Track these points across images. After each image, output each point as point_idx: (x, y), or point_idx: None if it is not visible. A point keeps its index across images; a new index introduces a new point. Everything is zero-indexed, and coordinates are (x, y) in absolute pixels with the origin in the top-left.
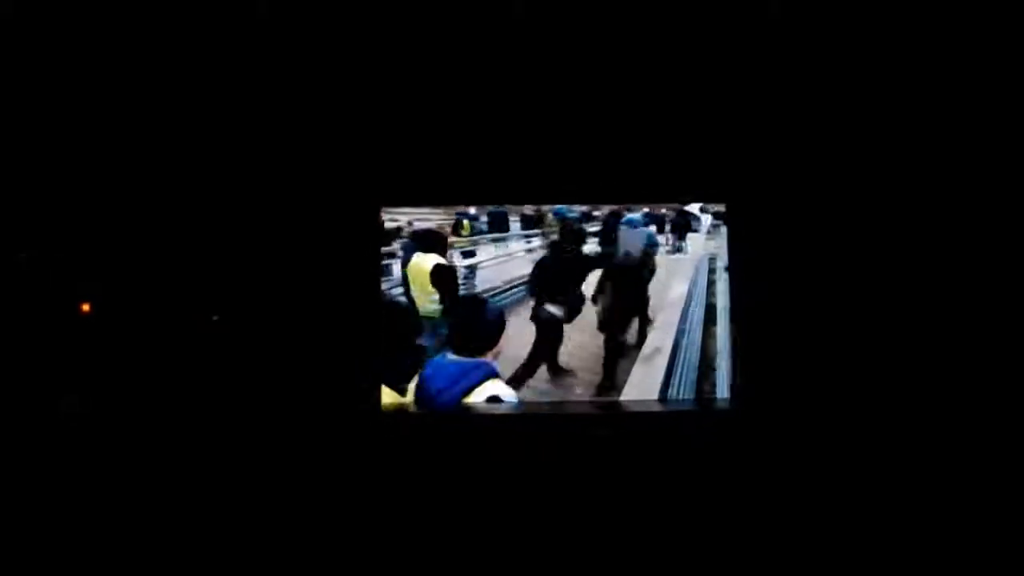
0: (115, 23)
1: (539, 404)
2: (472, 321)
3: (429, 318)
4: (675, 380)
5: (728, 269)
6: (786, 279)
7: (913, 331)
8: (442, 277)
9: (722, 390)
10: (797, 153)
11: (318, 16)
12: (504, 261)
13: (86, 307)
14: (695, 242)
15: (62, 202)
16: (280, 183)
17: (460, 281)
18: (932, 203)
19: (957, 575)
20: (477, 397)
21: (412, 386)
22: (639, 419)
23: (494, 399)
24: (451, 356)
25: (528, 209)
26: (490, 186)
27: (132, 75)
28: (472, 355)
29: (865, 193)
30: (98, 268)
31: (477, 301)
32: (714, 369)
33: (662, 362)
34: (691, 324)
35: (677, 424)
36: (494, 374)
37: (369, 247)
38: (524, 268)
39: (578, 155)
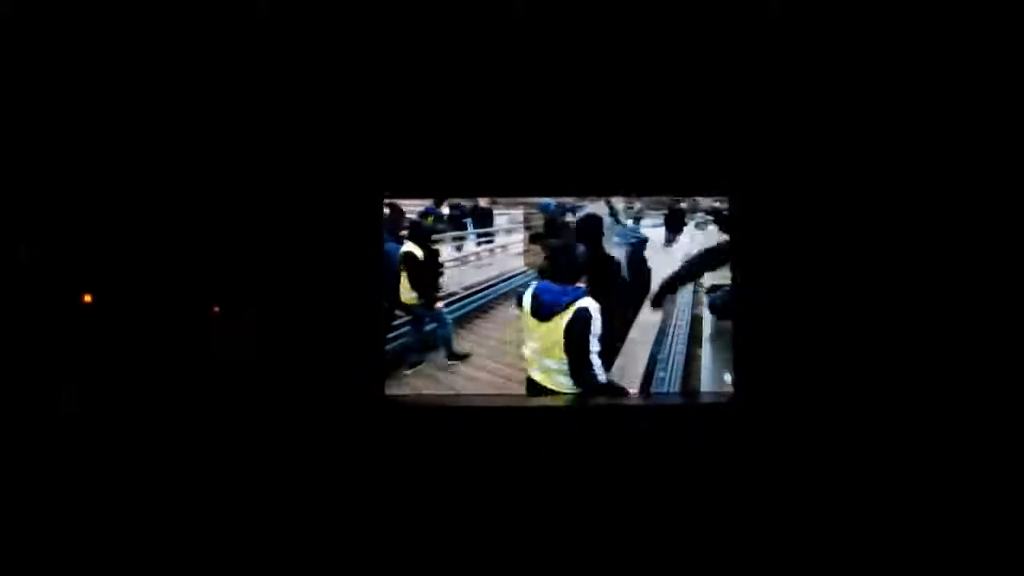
0: (118, 22)
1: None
2: (566, 259)
3: (408, 305)
4: (657, 378)
5: (729, 263)
6: (788, 273)
7: (915, 326)
8: (408, 265)
9: (707, 386)
10: (800, 148)
11: (320, 13)
12: (459, 265)
13: (88, 297)
14: (680, 244)
15: (64, 194)
16: (284, 174)
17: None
18: (934, 202)
19: (956, 573)
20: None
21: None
22: (640, 413)
23: (583, 311)
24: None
25: (484, 202)
26: (493, 178)
27: (140, 72)
28: (565, 283)
29: (867, 187)
30: (100, 259)
31: (568, 246)
32: (698, 381)
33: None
34: (675, 326)
35: (677, 419)
36: (586, 294)
37: (372, 236)
38: (484, 272)
39: (581, 148)
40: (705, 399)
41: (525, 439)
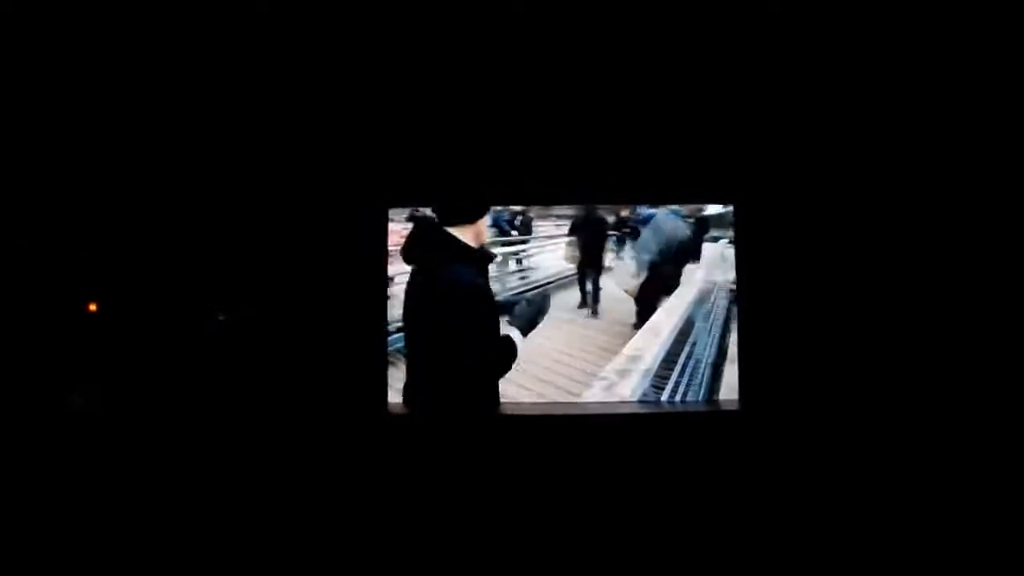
0: (117, 22)
1: (546, 404)
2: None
3: None
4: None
5: (735, 270)
6: (795, 281)
7: (927, 333)
8: None
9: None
10: (808, 153)
11: (321, 15)
12: None
13: (93, 307)
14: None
15: (70, 200)
16: (289, 183)
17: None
18: (948, 208)
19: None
20: None
21: None
22: (644, 420)
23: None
24: None
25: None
26: (498, 186)
27: (139, 75)
28: None
29: (876, 192)
30: (107, 267)
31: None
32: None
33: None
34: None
35: (684, 426)
36: None
37: (377, 247)
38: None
39: (587, 155)
40: (708, 407)
41: (526, 448)
